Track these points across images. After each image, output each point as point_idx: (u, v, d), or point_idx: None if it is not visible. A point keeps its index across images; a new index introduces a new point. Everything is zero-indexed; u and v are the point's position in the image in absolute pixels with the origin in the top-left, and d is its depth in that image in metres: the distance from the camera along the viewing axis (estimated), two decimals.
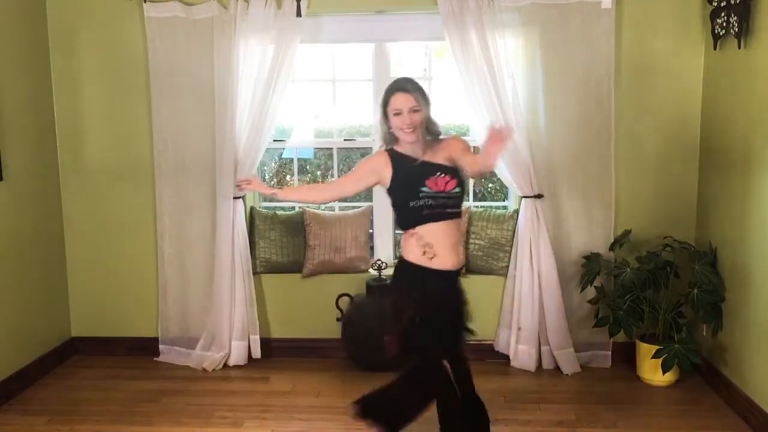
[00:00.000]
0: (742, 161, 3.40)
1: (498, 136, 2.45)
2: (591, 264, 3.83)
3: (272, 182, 4.73)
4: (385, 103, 2.73)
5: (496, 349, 4.08)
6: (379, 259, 4.13)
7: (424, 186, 2.66)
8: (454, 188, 2.67)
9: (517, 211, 4.05)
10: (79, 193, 4.22)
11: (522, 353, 4.00)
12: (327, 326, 4.16)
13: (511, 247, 4.05)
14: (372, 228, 4.31)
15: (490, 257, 4.10)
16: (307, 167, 4.75)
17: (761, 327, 3.23)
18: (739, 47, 3.35)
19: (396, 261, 2.97)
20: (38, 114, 4.02)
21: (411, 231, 2.72)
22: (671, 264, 3.71)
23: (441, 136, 2.82)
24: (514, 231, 4.03)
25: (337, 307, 4.11)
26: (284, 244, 4.21)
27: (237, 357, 4.10)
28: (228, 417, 3.48)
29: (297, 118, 4.50)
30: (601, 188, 3.93)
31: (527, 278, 3.92)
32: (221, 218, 4.01)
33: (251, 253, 4.14)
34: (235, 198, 4.00)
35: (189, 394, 3.76)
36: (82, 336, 4.33)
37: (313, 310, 4.21)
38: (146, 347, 4.26)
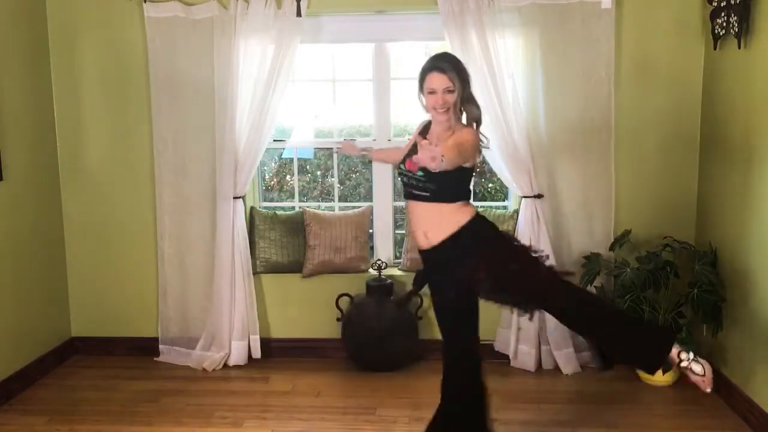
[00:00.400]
0: (742, 161, 3.39)
1: (427, 149, 2.26)
2: (591, 264, 3.83)
3: (272, 182, 4.73)
4: (422, 80, 2.70)
5: (496, 349, 4.08)
6: (379, 259, 4.13)
7: (403, 163, 2.74)
8: (416, 170, 2.64)
9: (517, 211, 4.05)
10: (79, 193, 4.22)
11: (522, 353, 4.01)
12: (327, 326, 4.16)
13: None
14: (372, 228, 4.31)
15: None
16: (307, 167, 4.76)
17: (761, 327, 3.23)
18: (739, 47, 3.35)
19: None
20: (38, 114, 4.02)
21: None
22: (671, 264, 3.71)
23: (464, 123, 2.76)
24: (514, 231, 4.03)
25: (337, 307, 4.11)
26: (284, 244, 4.22)
27: (237, 357, 4.10)
28: (228, 417, 3.48)
29: (297, 118, 4.50)
30: (601, 188, 3.93)
31: None
32: (221, 218, 4.01)
33: (251, 253, 4.13)
34: (235, 198, 4.00)
35: (189, 394, 3.76)
36: (82, 336, 4.33)
37: (313, 310, 4.21)
38: (146, 347, 4.26)
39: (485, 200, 4.59)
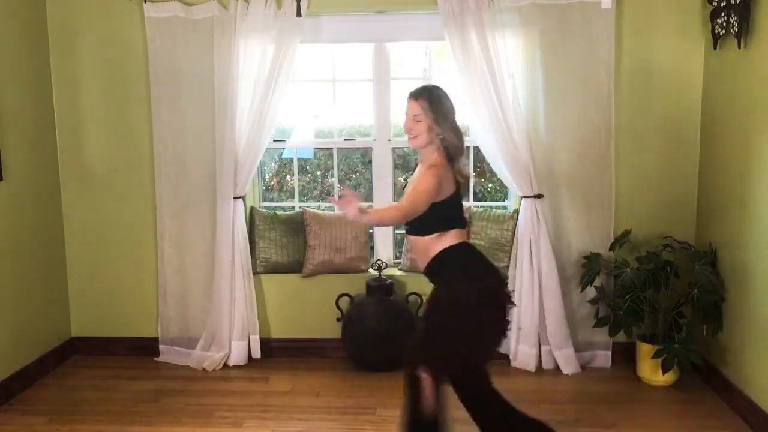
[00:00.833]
0: (742, 161, 3.40)
1: (344, 204, 2.39)
2: (591, 264, 3.83)
3: (272, 182, 4.73)
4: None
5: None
6: (379, 259, 4.13)
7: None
8: None
9: (517, 211, 4.05)
10: (79, 192, 4.22)
11: (522, 353, 4.01)
12: (327, 326, 4.16)
13: (511, 247, 4.05)
14: (372, 228, 4.30)
15: (490, 257, 4.05)
16: (307, 167, 4.75)
17: (761, 327, 3.23)
18: (739, 47, 3.35)
19: None
20: (38, 114, 4.02)
21: None
22: (671, 264, 3.71)
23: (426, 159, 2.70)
24: (514, 231, 4.03)
25: (337, 307, 4.11)
26: (284, 244, 4.22)
27: (237, 357, 4.10)
28: (228, 417, 3.48)
29: (297, 118, 4.50)
30: (601, 188, 3.93)
31: (527, 278, 3.92)
32: (221, 218, 4.01)
33: (251, 253, 4.14)
34: (235, 198, 4.00)
35: (189, 394, 3.76)
36: (82, 336, 4.33)
37: (313, 310, 4.21)
38: (146, 347, 4.26)
39: (485, 200, 4.59)
